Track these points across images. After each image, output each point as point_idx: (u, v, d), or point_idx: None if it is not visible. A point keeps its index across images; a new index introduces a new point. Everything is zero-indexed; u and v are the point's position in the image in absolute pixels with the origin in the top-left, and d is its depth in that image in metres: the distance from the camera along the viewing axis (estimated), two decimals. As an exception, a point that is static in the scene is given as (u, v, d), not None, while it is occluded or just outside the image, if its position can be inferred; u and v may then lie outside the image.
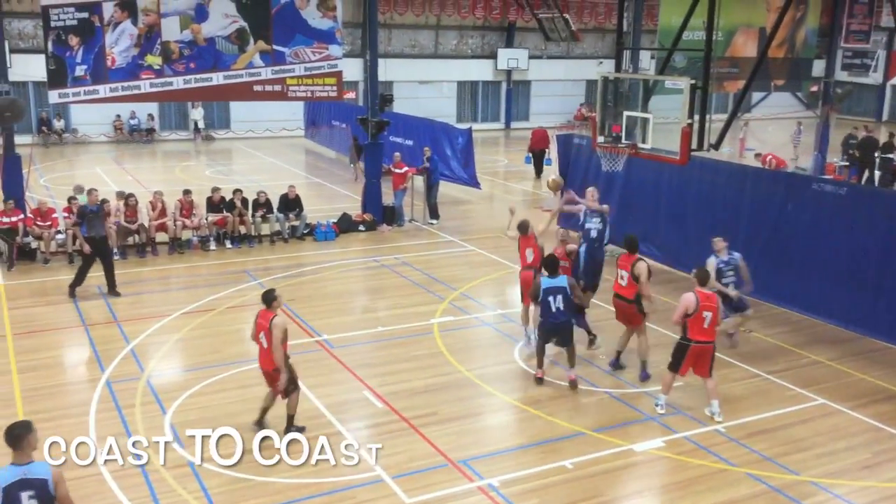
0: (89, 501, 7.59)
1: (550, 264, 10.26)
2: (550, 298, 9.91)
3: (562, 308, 9.91)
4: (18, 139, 17.13)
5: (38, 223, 15.52)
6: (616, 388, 10.21)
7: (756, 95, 36.42)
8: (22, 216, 15.42)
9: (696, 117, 11.58)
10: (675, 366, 9.41)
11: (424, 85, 36.94)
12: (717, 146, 12.34)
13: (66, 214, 15.72)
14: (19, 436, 5.43)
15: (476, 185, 21.35)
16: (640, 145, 12.61)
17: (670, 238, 14.91)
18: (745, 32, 22.64)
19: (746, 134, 28.73)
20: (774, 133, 30.46)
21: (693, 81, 11.59)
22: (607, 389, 10.12)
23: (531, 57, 38.68)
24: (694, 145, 11.86)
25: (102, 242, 13.74)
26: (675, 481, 8.24)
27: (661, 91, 14.17)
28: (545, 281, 10.02)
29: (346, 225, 18.21)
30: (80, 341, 11.78)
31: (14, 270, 14.82)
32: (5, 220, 15.18)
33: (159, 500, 7.63)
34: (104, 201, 14.81)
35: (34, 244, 15.43)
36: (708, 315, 9.12)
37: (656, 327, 11.57)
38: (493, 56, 38.46)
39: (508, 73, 38.78)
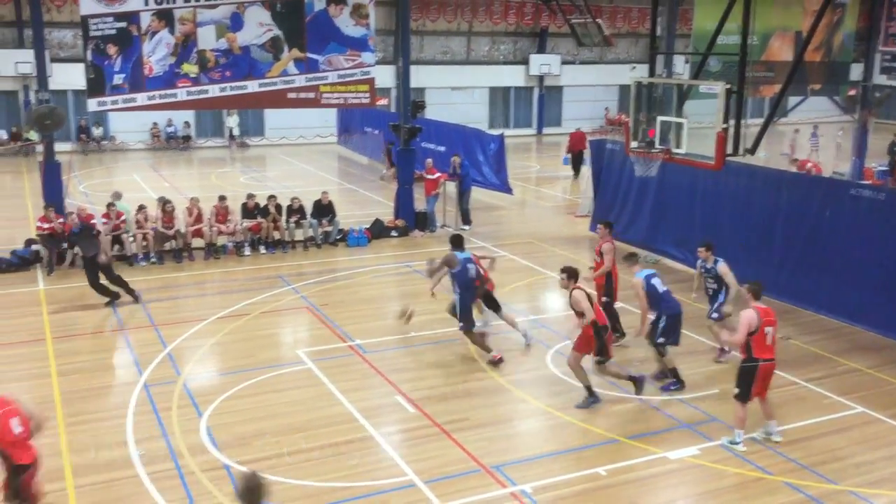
0: (127, 503, 7.70)
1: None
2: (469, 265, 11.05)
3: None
4: (58, 147, 17.51)
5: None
6: (651, 396, 10.12)
7: (792, 100, 35.93)
8: (62, 221, 15.72)
9: (732, 122, 11.47)
10: (746, 394, 8.72)
11: (456, 91, 37.03)
12: (752, 151, 12.21)
13: (104, 220, 16.01)
14: (257, 491, 5.24)
15: (508, 190, 21.34)
16: (675, 150, 12.54)
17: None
18: (781, 36, 22.36)
19: (796, 141, 28.07)
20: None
21: (728, 86, 11.50)
22: (641, 397, 10.04)
23: (564, 62, 38.61)
24: (729, 150, 11.77)
25: (92, 261, 13.33)
26: (710, 490, 8.15)
27: (696, 96, 14.06)
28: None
29: (378, 230, 18.31)
30: (119, 345, 11.98)
31: (53, 275, 15.11)
32: (45, 225, 15.50)
33: (196, 502, 7.71)
34: (88, 218, 14.20)
35: (74, 249, 15.73)
36: (770, 330, 8.66)
37: (690, 333, 11.46)
38: (525, 62, 38.44)
39: (540, 78, 38.72)
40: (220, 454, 8.58)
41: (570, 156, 26.89)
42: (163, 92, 16.18)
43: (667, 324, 10.25)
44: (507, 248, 17.32)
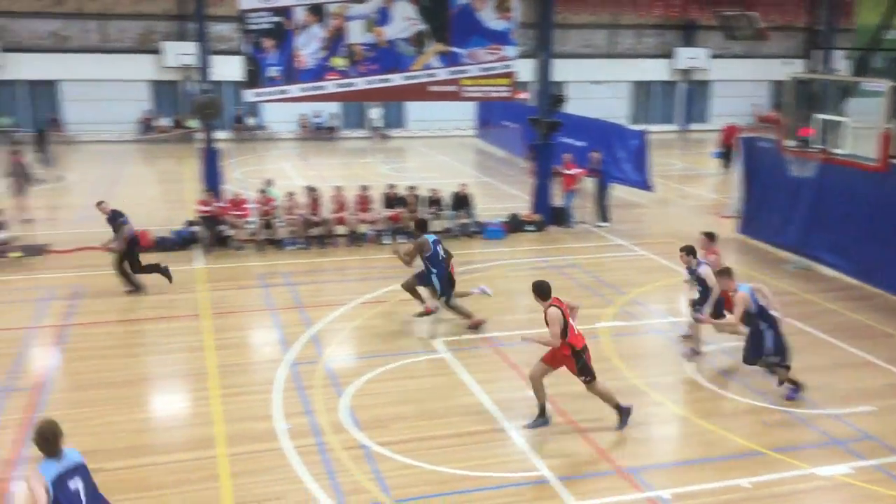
0: (272, 474, 8.11)
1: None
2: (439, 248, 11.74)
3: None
4: (217, 135, 18.53)
5: (233, 213, 16.72)
6: (796, 409, 9.63)
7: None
8: (220, 205, 16.66)
9: (900, 121, 10.71)
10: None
11: (597, 85, 36.44)
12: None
13: (256, 205, 16.88)
14: (51, 435, 5.58)
15: (649, 187, 20.81)
16: (833, 150, 11.85)
17: (865, 251, 13.85)
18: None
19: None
20: None
21: (894, 84, 10.76)
22: (787, 409, 9.57)
23: (714, 56, 37.19)
24: (894, 151, 11.00)
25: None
26: (862, 511, 7.68)
27: (859, 93, 13.23)
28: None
29: (514, 224, 18.32)
30: (268, 324, 12.59)
31: (211, 255, 16.05)
32: (204, 208, 16.49)
33: (336, 478, 8.02)
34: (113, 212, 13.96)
35: (229, 232, 16.64)
36: None
37: (844, 345, 10.81)
38: (669, 55, 37.31)
39: (686, 72, 37.48)
40: (359, 434, 8.87)
41: (722, 150, 26.01)
42: (313, 84, 16.83)
43: (774, 342, 9.69)
44: (645, 247, 16.92)
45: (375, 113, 34.62)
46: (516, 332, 12.01)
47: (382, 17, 16.78)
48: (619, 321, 12.49)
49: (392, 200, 17.59)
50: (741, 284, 9.98)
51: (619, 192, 20.53)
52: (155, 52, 32.65)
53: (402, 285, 12.32)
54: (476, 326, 12.06)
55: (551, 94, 18.93)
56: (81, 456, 5.74)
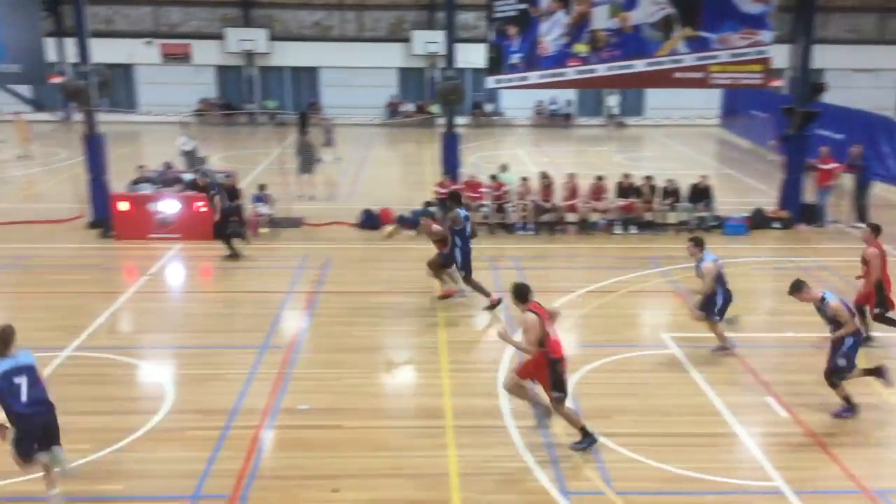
0: (495, 450, 8.32)
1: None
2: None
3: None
4: (457, 121, 19.17)
5: (469, 195, 17.24)
6: None
7: None
8: (456, 188, 17.23)
9: None
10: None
11: (861, 74, 33.18)
12: None
13: (489, 189, 17.28)
14: (7, 338, 6.92)
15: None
16: None
17: None
18: None
19: None
20: None
21: None
22: None
23: None
24: None
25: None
26: None
27: None
28: None
29: (758, 221, 17.24)
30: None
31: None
32: (443, 190, 17.15)
33: (559, 463, 8.07)
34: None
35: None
36: None
37: None
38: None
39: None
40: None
41: None
42: (553, 71, 16.86)
43: (851, 346, 8.74)
44: (911, 253, 15.19)
45: (613, 100, 34.06)
46: (755, 334, 11.39)
47: (629, 1, 16.40)
48: (875, 332, 11.36)
49: (626, 190, 17.24)
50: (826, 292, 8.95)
51: (879, 190, 18.62)
52: (404, 40, 34.38)
53: (427, 263, 12.73)
54: (494, 305, 12.26)
55: (810, 82, 17.52)
56: (33, 360, 7.05)
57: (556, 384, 8.06)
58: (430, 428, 8.77)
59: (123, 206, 16.31)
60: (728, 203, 18.15)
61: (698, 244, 10.51)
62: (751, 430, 8.71)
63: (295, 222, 17.40)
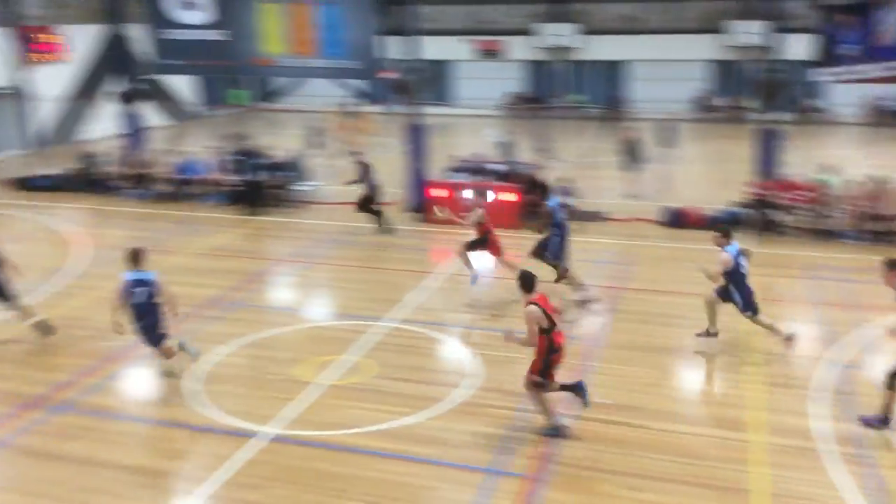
0: (803, 472, 7.77)
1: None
2: None
3: None
4: (776, 117, 17.86)
5: (786, 197, 16.04)
6: None
7: None
8: (773, 189, 16.12)
9: None
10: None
11: None
12: None
13: (809, 192, 15.93)
14: (139, 254, 9.15)
15: None
16: None
17: None
18: None
19: None
20: None
21: None
22: None
23: None
24: None
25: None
26: None
27: None
28: None
29: None
30: (811, 317, 11.94)
31: (760, 239, 15.39)
32: (758, 191, 16.14)
33: (879, 498, 7.32)
34: None
35: (779, 216, 15.98)
36: None
37: None
38: None
39: None
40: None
41: None
42: (894, 63, 15.10)
43: None
44: None
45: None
46: None
47: None
48: None
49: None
50: None
51: None
52: (716, 31, 32.83)
53: (458, 248, 13.03)
54: (584, 303, 12.18)
55: None
56: (155, 277, 9.14)
57: (542, 371, 8.29)
58: (729, 440, 8.40)
59: (438, 192, 17.54)
60: None
61: (725, 234, 10.24)
62: None
63: (594, 216, 17.37)
